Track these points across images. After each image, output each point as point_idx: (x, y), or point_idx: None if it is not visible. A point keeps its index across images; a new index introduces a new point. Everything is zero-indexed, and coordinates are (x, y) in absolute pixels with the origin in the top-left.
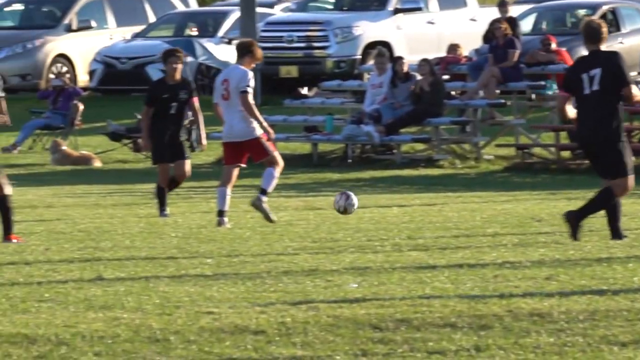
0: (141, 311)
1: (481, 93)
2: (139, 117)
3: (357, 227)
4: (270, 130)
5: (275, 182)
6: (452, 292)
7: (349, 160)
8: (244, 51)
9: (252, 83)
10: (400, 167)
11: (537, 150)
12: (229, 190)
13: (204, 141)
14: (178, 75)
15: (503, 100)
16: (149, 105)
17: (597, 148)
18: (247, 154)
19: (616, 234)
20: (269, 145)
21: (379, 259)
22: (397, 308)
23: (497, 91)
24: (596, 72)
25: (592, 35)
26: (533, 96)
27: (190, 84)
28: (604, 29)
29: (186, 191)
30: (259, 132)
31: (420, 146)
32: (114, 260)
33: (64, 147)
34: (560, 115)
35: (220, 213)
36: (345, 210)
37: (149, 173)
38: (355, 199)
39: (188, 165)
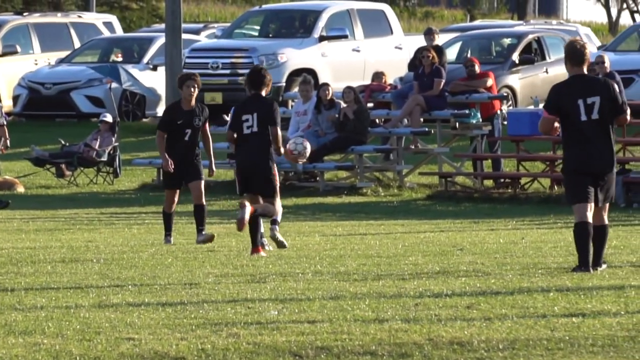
0: (61, 337)
1: (405, 121)
2: (63, 142)
3: (279, 254)
4: (297, 157)
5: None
6: (373, 320)
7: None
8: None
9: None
10: (323, 194)
11: (460, 178)
12: (248, 209)
13: (214, 167)
14: (194, 101)
15: (427, 129)
16: (162, 130)
17: (603, 175)
18: None
19: (600, 261)
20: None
21: (300, 287)
22: (318, 335)
23: (421, 119)
24: (595, 100)
25: (576, 57)
26: (457, 125)
27: (205, 109)
28: (588, 50)
29: (108, 217)
30: (275, 169)
31: (343, 174)
32: (35, 285)
33: None
34: (544, 133)
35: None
36: (300, 154)
37: (72, 199)
38: (306, 143)
39: (202, 185)
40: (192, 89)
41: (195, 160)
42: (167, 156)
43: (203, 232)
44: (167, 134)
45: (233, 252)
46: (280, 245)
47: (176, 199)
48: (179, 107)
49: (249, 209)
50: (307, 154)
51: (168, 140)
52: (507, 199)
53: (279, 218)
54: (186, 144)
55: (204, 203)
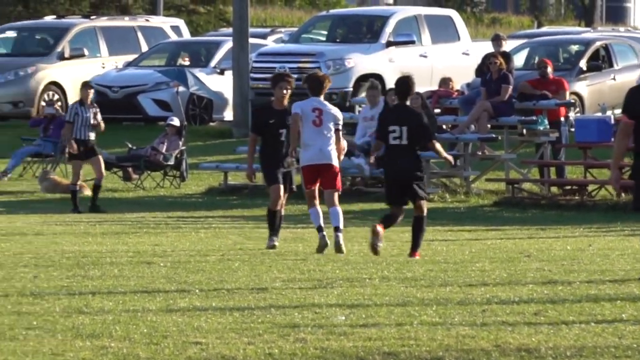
0: (129, 340)
1: (472, 127)
2: (130, 145)
3: (346, 259)
4: None
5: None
6: (440, 326)
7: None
8: (320, 87)
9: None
10: None
11: (527, 185)
12: (319, 208)
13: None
14: (286, 101)
15: (494, 135)
16: (255, 133)
17: None
18: (319, 178)
19: None
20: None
21: (367, 292)
22: (385, 341)
23: (489, 125)
24: None
25: None
26: (524, 131)
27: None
28: None
29: (175, 221)
30: (337, 164)
31: None
32: (102, 288)
33: (54, 176)
34: (620, 144)
35: (320, 228)
36: None
37: (138, 202)
38: None
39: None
40: (285, 91)
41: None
42: (251, 162)
43: (274, 241)
44: (262, 137)
45: (300, 257)
46: (339, 250)
47: (282, 195)
48: (270, 108)
49: (380, 234)
50: None
51: (265, 146)
52: (574, 206)
53: (341, 225)
54: (284, 145)
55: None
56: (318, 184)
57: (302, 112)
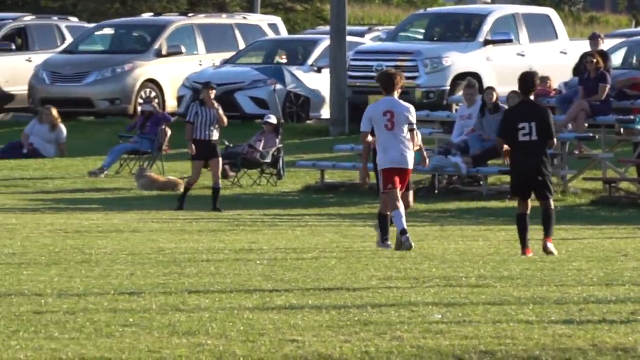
0: (225, 337)
1: (570, 126)
2: (227, 143)
3: (443, 258)
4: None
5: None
6: (537, 324)
7: (436, 191)
8: (392, 84)
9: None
10: (486, 198)
11: (624, 184)
12: (402, 210)
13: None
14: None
15: (591, 134)
16: (367, 132)
17: None
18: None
19: None
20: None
21: (464, 291)
22: (481, 340)
23: (586, 124)
24: None
25: None
26: (622, 130)
27: None
28: None
29: (271, 218)
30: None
31: (507, 178)
32: (198, 286)
33: (150, 173)
34: None
35: (403, 232)
36: None
37: (235, 200)
38: None
39: (411, 196)
40: None
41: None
42: (366, 164)
43: (387, 241)
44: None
45: (396, 255)
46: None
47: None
48: None
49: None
50: None
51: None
52: None
53: (405, 224)
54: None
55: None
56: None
57: (373, 117)
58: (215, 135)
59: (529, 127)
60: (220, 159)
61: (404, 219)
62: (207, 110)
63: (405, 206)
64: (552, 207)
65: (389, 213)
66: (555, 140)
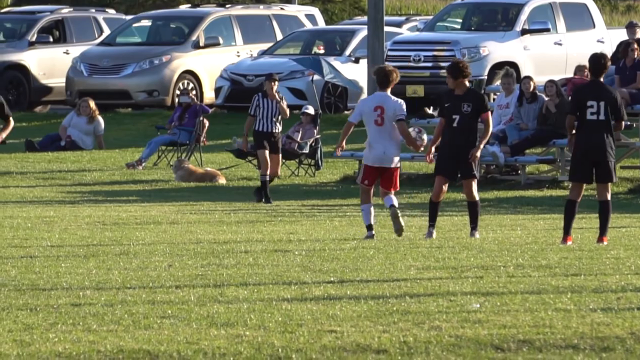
0: (263, 329)
1: None
2: None
3: (481, 247)
4: (420, 145)
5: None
6: (575, 313)
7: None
8: (387, 81)
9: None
10: (524, 188)
11: None
12: (372, 206)
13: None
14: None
15: (629, 122)
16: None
17: None
18: (380, 178)
19: None
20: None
21: (502, 280)
22: (520, 329)
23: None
24: None
25: None
26: None
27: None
28: None
29: (310, 209)
30: (399, 163)
31: (545, 167)
32: (237, 277)
33: (188, 164)
34: None
35: (370, 227)
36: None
37: (273, 190)
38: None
39: (474, 185)
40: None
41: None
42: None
43: (474, 231)
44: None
45: (435, 245)
46: (397, 224)
47: (445, 189)
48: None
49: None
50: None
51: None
52: None
53: (396, 203)
54: (457, 131)
55: (476, 199)
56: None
57: (363, 111)
58: (277, 128)
59: (597, 106)
60: (280, 155)
61: (372, 215)
62: (269, 102)
63: (469, 200)
64: (610, 199)
65: (436, 200)
66: (624, 122)
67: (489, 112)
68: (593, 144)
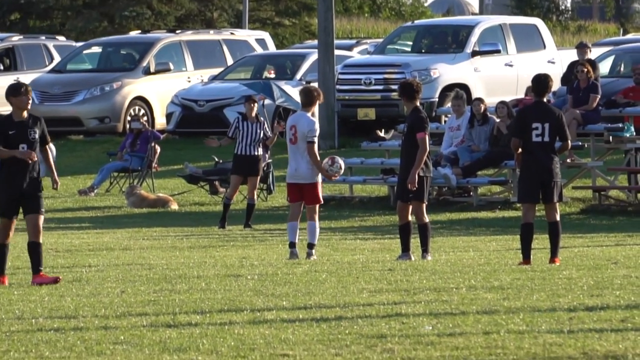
0: (216, 354)
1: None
2: (216, 159)
3: (433, 269)
4: (331, 175)
5: (318, 232)
6: (527, 334)
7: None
8: (308, 101)
9: (317, 133)
10: (477, 209)
11: (613, 192)
12: (297, 224)
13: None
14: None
15: (581, 143)
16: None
17: None
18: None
19: None
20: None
21: (455, 302)
22: (472, 350)
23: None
24: None
25: None
26: (611, 138)
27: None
28: None
29: (262, 233)
30: (319, 178)
31: (497, 188)
32: (189, 302)
33: (140, 190)
34: None
35: (292, 245)
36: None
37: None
38: (341, 162)
39: (421, 207)
40: None
41: None
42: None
43: (425, 254)
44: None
45: (387, 267)
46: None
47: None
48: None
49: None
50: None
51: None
52: None
53: (315, 241)
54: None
55: (425, 222)
56: (302, 201)
57: (285, 129)
58: (258, 151)
59: (542, 127)
60: (258, 177)
61: (296, 233)
62: (249, 125)
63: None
64: (559, 220)
65: (401, 224)
66: (569, 142)
67: (424, 133)
68: (540, 165)
